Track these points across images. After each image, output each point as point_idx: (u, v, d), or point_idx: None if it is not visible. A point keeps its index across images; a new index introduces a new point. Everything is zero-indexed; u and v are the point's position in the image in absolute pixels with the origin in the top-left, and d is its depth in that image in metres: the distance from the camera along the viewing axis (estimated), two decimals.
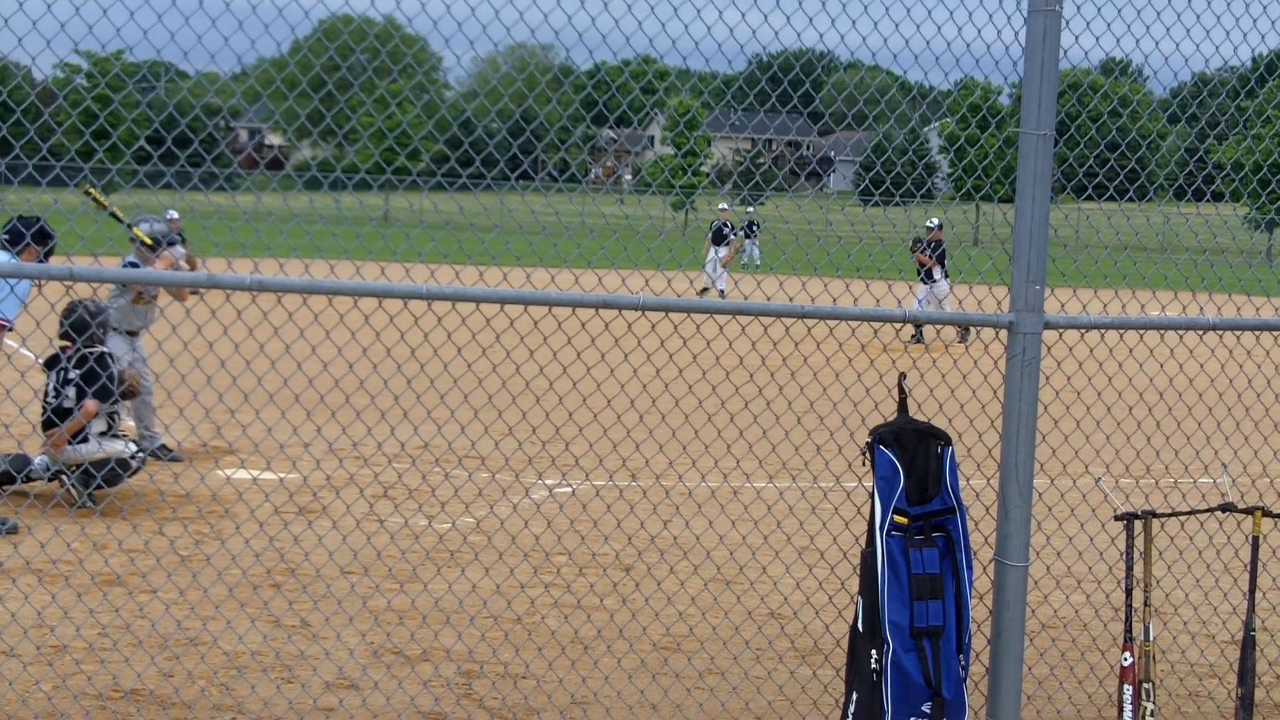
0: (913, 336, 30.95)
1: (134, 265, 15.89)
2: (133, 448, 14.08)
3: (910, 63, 8.14)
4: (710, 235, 46.63)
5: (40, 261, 13.33)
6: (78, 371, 13.96)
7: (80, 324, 14.18)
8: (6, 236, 13.22)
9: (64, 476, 13.91)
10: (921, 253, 31.94)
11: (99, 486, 13.76)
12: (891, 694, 6.94)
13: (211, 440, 16.76)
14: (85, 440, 13.89)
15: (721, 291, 43.52)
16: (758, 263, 58.04)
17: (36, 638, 9.40)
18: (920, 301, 31.71)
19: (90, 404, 13.75)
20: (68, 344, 14.23)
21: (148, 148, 7.92)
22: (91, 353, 14.06)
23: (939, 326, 31.00)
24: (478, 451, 15.75)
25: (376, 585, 10.92)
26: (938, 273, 31.84)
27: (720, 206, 50.25)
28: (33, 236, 13.00)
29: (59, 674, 8.88)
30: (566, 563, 11.85)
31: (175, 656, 9.36)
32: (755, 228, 57.92)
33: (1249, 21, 8.73)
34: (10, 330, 12.82)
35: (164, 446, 16.35)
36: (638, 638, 9.94)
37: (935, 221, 32.50)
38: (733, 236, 46.54)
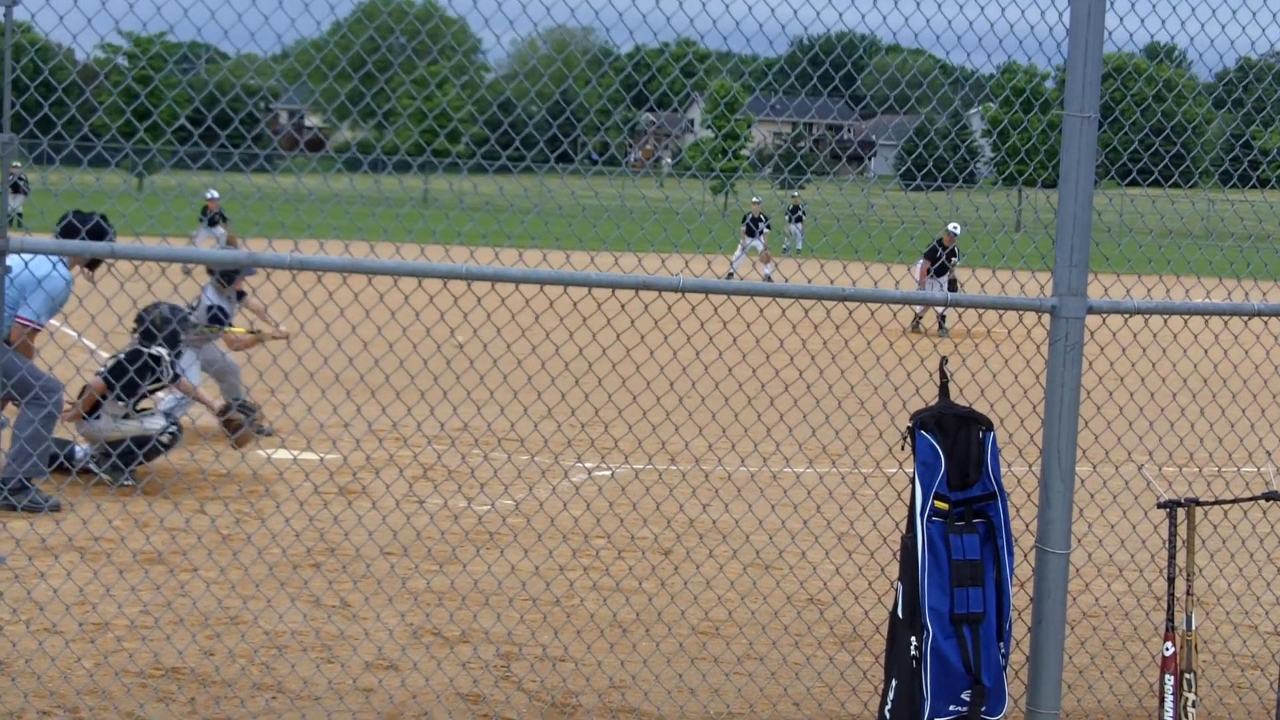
0: (928, 323, 30.70)
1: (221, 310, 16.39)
2: (160, 423, 14.10)
3: (953, 45, 8.10)
4: (744, 226, 46.51)
5: (87, 267, 13.27)
6: (120, 355, 14.00)
7: (157, 323, 14.21)
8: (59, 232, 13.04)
9: (92, 467, 13.96)
10: (931, 258, 31.59)
11: (140, 462, 13.81)
12: (931, 681, 6.91)
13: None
14: (99, 417, 13.91)
15: (768, 277, 43.41)
16: (799, 247, 57.81)
17: (79, 615, 9.43)
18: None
19: (98, 382, 13.78)
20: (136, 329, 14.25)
21: (188, 127, 7.92)
22: (144, 350, 14.04)
23: (980, 313, 30.84)
24: (517, 433, 15.75)
25: (415, 566, 10.91)
26: (946, 277, 31.65)
27: (754, 199, 50.03)
28: (89, 233, 12.79)
29: (101, 651, 8.90)
30: (605, 545, 11.84)
31: (216, 635, 9.38)
32: (801, 212, 57.70)
33: None
34: (39, 331, 12.75)
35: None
36: (676, 621, 9.91)
37: (956, 227, 31.96)
38: (765, 229, 46.41)
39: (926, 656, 6.92)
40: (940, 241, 31.55)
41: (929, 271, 31.53)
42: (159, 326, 14.22)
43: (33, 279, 12.20)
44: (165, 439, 13.96)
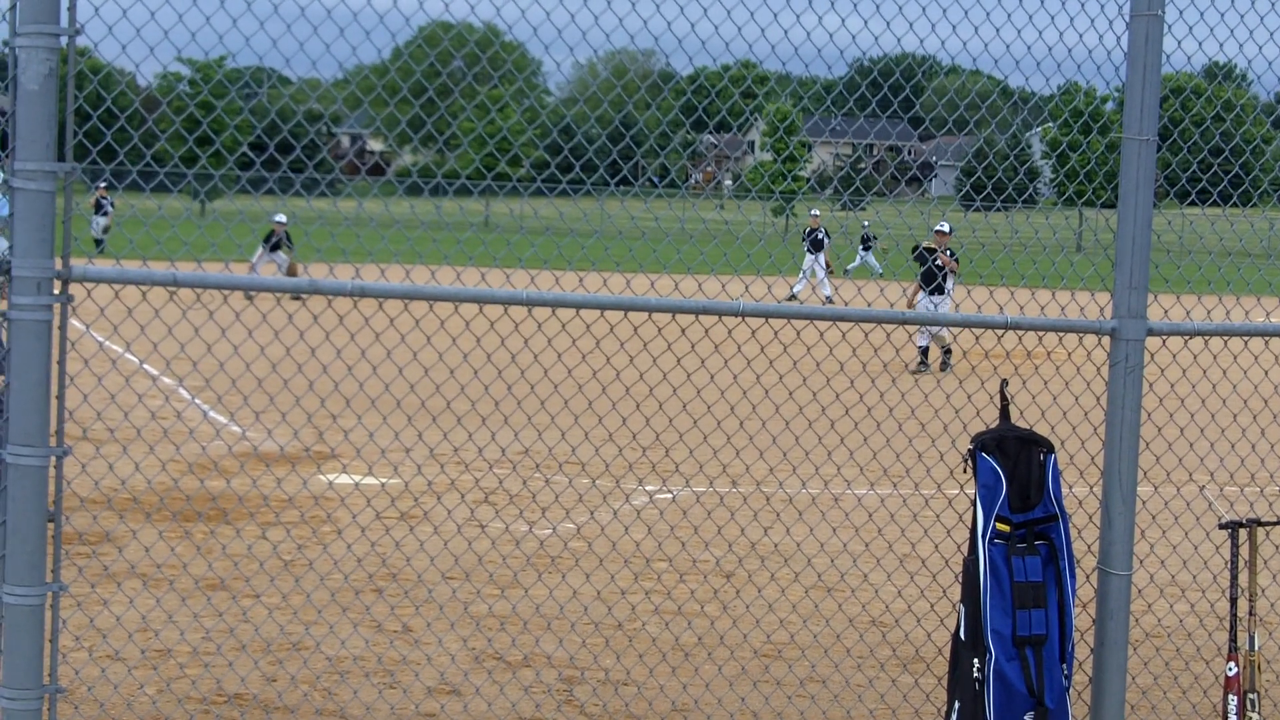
0: (921, 363, 27.87)
1: None
2: None
3: (1012, 67, 8.09)
4: (806, 243, 46.44)
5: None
6: None
7: None
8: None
9: None
10: (928, 260, 29.08)
11: None
12: (994, 703, 6.90)
13: (314, 445, 16.85)
14: None
15: (829, 298, 43.32)
16: (879, 271, 57.18)
17: (141, 641, 9.48)
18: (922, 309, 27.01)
19: None
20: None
21: (250, 154, 7.99)
22: None
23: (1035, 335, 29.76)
24: (578, 457, 15.78)
25: (478, 590, 10.95)
26: (950, 282, 29.15)
27: (812, 212, 49.80)
28: None
29: (163, 678, 8.95)
30: (667, 569, 11.85)
31: (278, 661, 9.43)
32: (872, 240, 57.23)
33: None
34: None
35: None
36: (738, 645, 9.92)
37: (946, 225, 28.73)
38: (827, 241, 46.26)
39: (989, 678, 6.92)
40: (926, 248, 27.91)
41: (920, 287, 27.34)
42: None
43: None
44: None
